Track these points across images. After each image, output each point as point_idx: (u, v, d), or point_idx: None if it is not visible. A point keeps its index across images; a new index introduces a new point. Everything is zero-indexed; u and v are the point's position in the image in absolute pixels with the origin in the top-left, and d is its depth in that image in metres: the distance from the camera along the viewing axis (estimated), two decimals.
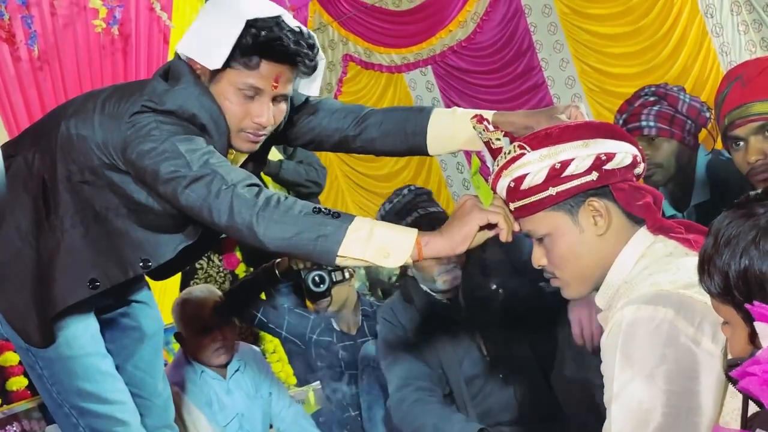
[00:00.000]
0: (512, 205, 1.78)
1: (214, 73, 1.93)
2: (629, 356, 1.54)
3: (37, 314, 2.10)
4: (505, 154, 1.79)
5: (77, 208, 2.04)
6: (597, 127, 1.77)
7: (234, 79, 1.92)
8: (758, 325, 0.83)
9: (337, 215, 1.74)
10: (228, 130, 1.97)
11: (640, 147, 1.79)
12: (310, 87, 2.10)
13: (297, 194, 4.35)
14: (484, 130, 1.89)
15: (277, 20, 1.92)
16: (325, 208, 1.76)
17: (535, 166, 1.71)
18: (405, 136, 2.17)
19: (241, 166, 2.05)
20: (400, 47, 5.33)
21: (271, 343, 4.77)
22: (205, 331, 3.19)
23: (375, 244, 1.74)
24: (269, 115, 1.97)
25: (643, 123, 2.79)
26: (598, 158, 1.69)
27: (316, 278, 3.40)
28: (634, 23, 4.69)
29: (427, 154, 2.24)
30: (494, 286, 2.83)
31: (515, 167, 1.74)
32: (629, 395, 1.53)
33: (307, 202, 1.78)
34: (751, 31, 4.41)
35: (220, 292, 3.39)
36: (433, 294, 2.89)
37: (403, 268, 2.98)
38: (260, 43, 1.88)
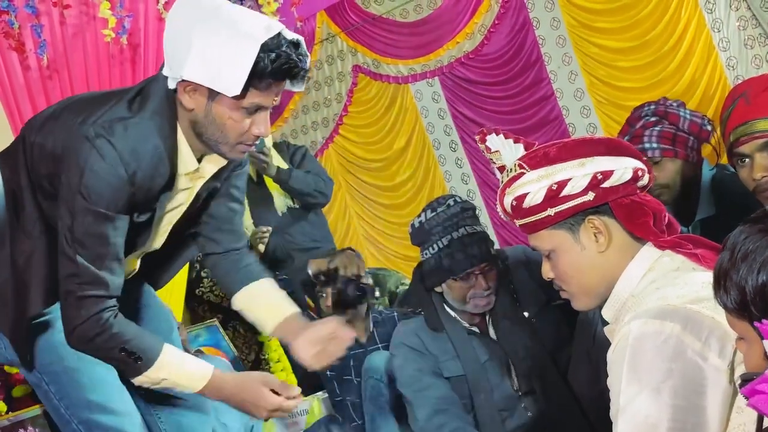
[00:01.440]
0: (517, 222, 1.82)
1: (212, 95, 1.93)
2: (636, 370, 1.54)
3: (18, 329, 2.12)
4: (508, 171, 1.82)
5: (40, 216, 2.08)
6: (595, 145, 1.78)
7: (238, 101, 1.93)
8: (766, 344, 0.83)
9: (139, 359, 2.05)
10: (173, 170, 2.05)
11: (644, 159, 1.80)
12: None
13: (304, 203, 4.37)
14: (485, 150, 1.90)
15: (280, 38, 1.92)
16: (133, 351, 2.04)
17: (533, 186, 1.74)
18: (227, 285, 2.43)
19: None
20: (407, 58, 5.34)
21: (276, 352, 4.78)
22: None
23: (167, 383, 2.11)
24: (267, 126, 2.02)
25: (647, 145, 2.78)
26: (594, 178, 1.71)
27: (360, 287, 3.45)
28: (641, 37, 4.70)
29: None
30: (527, 314, 2.75)
31: (516, 186, 1.77)
32: (635, 409, 1.53)
33: (121, 337, 2.03)
34: (757, 45, 4.41)
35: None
36: (460, 321, 2.81)
37: (429, 287, 2.86)
38: (275, 67, 1.89)
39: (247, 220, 4.37)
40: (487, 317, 2.78)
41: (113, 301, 2.04)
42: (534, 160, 1.77)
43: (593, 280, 1.76)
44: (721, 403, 1.50)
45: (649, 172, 1.80)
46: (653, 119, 2.84)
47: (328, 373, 3.62)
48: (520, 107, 5.04)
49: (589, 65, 4.84)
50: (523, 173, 1.77)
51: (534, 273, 2.71)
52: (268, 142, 4.31)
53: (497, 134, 1.90)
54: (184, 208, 2.20)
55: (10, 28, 3.69)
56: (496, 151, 1.88)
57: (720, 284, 1.25)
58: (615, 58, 4.77)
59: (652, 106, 2.90)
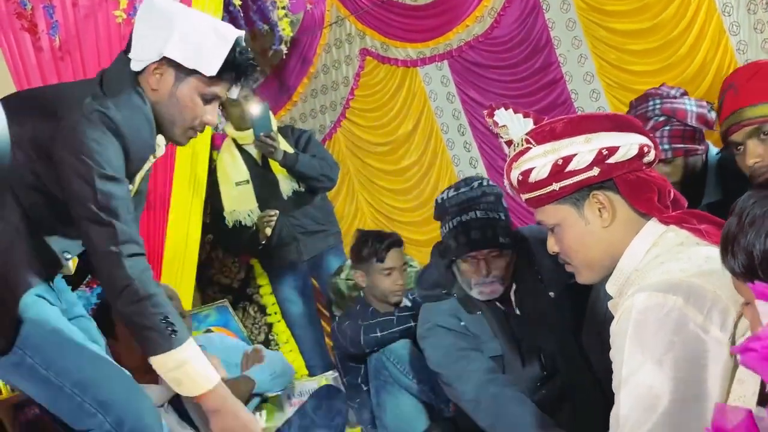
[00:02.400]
0: (523, 197, 1.83)
1: (179, 78, 2.22)
2: (638, 342, 1.56)
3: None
4: (515, 146, 1.84)
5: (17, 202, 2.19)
6: (601, 120, 1.80)
7: (200, 87, 2.24)
8: (759, 303, 0.85)
9: (175, 332, 2.14)
10: (153, 135, 2.27)
11: (651, 135, 1.82)
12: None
13: (310, 187, 4.39)
14: (493, 125, 1.92)
15: (243, 42, 2.27)
16: (173, 323, 2.14)
17: (539, 161, 1.76)
18: None
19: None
20: (416, 42, 5.32)
21: (285, 333, 4.84)
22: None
23: (173, 374, 2.18)
24: (216, 117, 2.32)
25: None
26: (599, 153, 1.73)
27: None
28: (651, 20, 4.67)
29: None
30: (552, 294, 2.73)
31: (523, 161, 1.79)
32: (638, 381, 1.55)
33: (165, 307, 2.15)
34: (767, 29, 4.41)
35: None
36: (498, 304, 2.77)
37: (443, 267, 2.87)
38: (240, 61, 2.23)
39: (252, 204, 4.39)
40: (513, 298, 2.77)
41: (146, 260, 2.18)
42: (540, 135, 1.79)
43: (597, 254, 1.78)
44: (722, 375, 1.52)
45: (656, 148, 1.82)
46: (662, 119, 2.83)
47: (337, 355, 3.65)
48: (529, 91, 5.02)
49: (599, 49, 4.82)
50: (529, 148, 1.79)
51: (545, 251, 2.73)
52: (274, 126, 4.32)
53: (506, 109, 1.92)
54: (134, 188, 2.36)
55: (22, 9, 3.72)
56: (504, 126, 1.90)
57: (728, 249, 1.25)
58: (625, 41, 4.75)
59: (657, 103, 2.87)
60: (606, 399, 2.53)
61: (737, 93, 2.49)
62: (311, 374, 4.51)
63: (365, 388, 3.49)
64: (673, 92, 2.92)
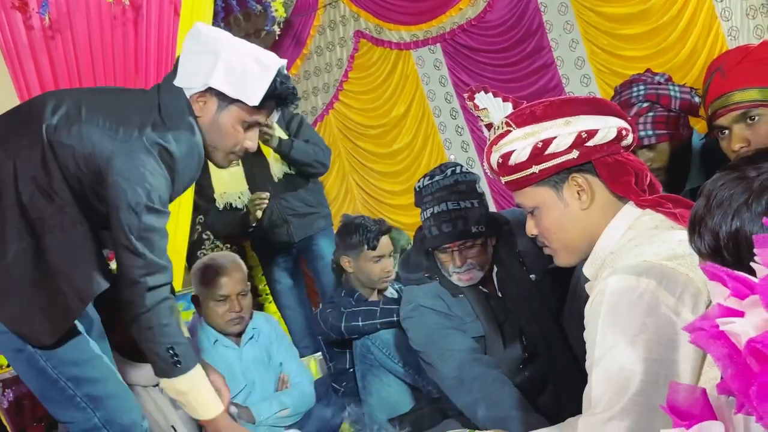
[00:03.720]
0: (503, 179, 1.85)
1: (222, 107, 2.27)
2: (611, 324, 1.58)
3: (47, 317, 2.19)
4: (495, 129, 1.85)
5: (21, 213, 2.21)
6: (581, 104, 1.81)
7: (242, 115, 2.28)
8: (710, 284, 0.87)
9: (179, 363, 2.25)
10: (200, 167, 2.34)
11: (629, 118, 1.83)
12: None
13: (303, 173, 4.39)
14: (473, 107, 1.93)
15: (284, 70, 2.32)
16: (177, 354, 2.25)
17: (519, 143, 1.77)
18: None
19: None
20: (410, 24, 5.32)
21: (275, 315, 4.84)
22: (223, 299, 3.25)
23: (184, 398, 2.32)
24: (256, 142, 2.39)
25: (642, 133, 2.78)
26: (579, 136, 1.75)
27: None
28: (643, 4, 4.68)
29: None
30: (533, 277, 2.73)
31: (503, 143, 1.81)
32: (610, 361, 1.57)
33: (173, 337, 2.24)
34: (759, 15, 4.40)
35: (242, 262, 3.41)
36: (480, 287, 2.76)
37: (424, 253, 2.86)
38: (281, 91, 2.28)
39: (243, 186, 4.40)
40: (495, 281, 2.77)
41: (171, 288, 2.27)
42: (520, 118, 1.80)
43: (575, 236, 1.80)
44: (693, 357, 1.54)
45: (634, 132, 1.83)
46: (646, 105, 2.83)
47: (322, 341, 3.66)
48: (521, 75, 5.03)
49: (591, 33, 4.83)
50: (509, 131, 1.80)
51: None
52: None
53: (486, 92, 1.93)
54: None
55: None
56: (484, 109, 1.91)
57: (695, 230, 1.26)
58: (616, 26, 4.76)
59: (642, 89, 2.87)
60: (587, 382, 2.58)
61: (725, 76, 2.48)
62: (300, 355, 4.53)
63: (351, 371, 3.50)
64: (657, 78, 2.92)
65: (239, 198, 4.39)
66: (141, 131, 2.19)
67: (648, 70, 3.08)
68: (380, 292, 3.54)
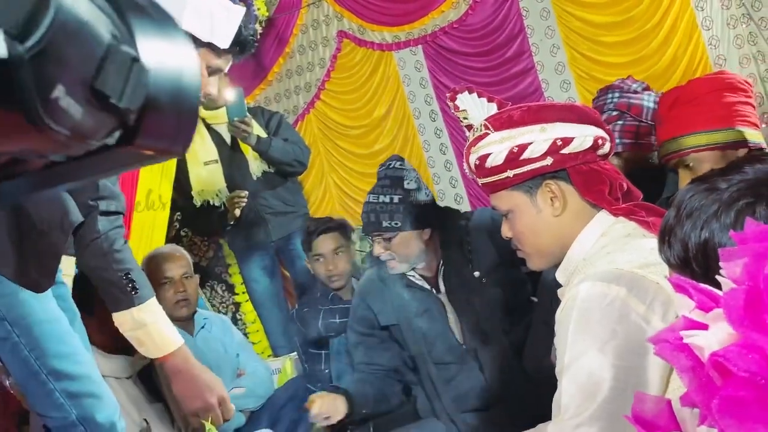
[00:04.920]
0: (480, 181, 1.86)
1: None
2: (582, 330, 1.59)
3: (40, 261, 2.17)
4: (475, 130, 1.86)
5: None
6: (559, 111, 1.82)
7: (209, 59, 2.23)
8: (675, 296, 0.87)
9: (136, 290, 2.17)
10: None
11: (607, 128, 1.84)
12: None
13: (282, 172, 4.39)
14: (454, 108, 1.94)
15: (249, 14, 2.27)
16: (134, 280, 2.17)
17: (496, 147, 1.79)
18: None
19: None
20: (393, 25, 5.31)
21: (252, 313, 4.84)
22: (166, 283, 3.36)
23: (144, 332, 2.21)
24: (217, 89, 2.34)
25: None
26: (554, 143, 1.76)
27: None
28: (625, 13, 4.70)
29: None
30: (477, 274, 2.81)
31: (481, 146, 1.82)
32: (580, 367, 1.57)
33: (128, 264, 2.18)
34: (740, 25, 4.43)
35: (186, 252, 3.54)
36: (410, 277, 2.88)
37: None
38: (244, 37, 2.23)
39: (221, 184, 4.39)
40: (439, 274, 2.85)
41: (122, 220, 2.22)
42: (498, 122, 1.81)
43: (547, 241, 1.82)
44: (662, 365, 1.54)
45: (611, 141, 1.84)
46: (615, 113, 2.83)
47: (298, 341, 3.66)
48: (500, 79, 5.03)
49: (572, 39, 4.84)
50: (487, 134, 1.82)
51: (497, 236, 2.78)
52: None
53: (470, 92, 1.94)
54: None
55: None
56: (464, 110, 1.92)
57: (664, 240, 1.27)
58: (598, 32, 4.77)
59: (616, 96, 2.87)
60: (530, 381, 2.66)
61: (661, 125, 2.51)
62: (276, 354, 4.53)
63: (326, 371, 3.51)
64: (635, 86, 2.93)
65: (217, 195, 4.39)
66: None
67: (629, 77, 3.09)
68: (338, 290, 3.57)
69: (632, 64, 4.65)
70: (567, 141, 1.76)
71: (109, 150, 0.62)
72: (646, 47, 4.69)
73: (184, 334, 3.25)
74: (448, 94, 2.00)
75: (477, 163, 1.83)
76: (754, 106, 2.51)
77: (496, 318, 2.76)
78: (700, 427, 0.90)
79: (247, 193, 4.32)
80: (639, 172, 2.81)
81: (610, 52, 4.78)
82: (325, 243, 3.52)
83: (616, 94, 2.86)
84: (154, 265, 3.38)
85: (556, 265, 1.84)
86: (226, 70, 2.37)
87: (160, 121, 0.62)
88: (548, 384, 2.68)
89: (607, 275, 1.61)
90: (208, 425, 2.23)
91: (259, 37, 5.29)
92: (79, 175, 0.66)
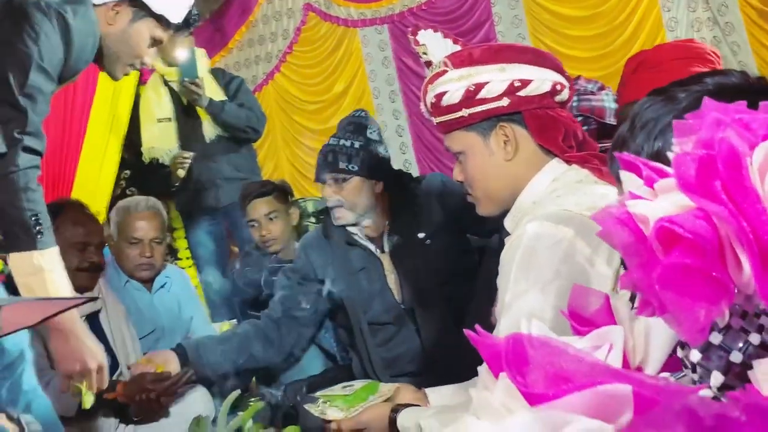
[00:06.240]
0: (435, 120, 1.82)
1: (137, 17, 2.25)
2: (525, 269, 1.55)
3: None
4: (434, 67, 1.82)
5: None
6: (520, 52, 1.79)
7: (153, 29, 2.27)
8: (623, 174, 0.83)
9: (41, 233, 2.07)
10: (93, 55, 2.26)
11: (567, 75, 1.81)
12: None
13: (234, 138, 4.30)
14: (414, 43, 1.90)
15: None
16: (41, 224, 2.07)
17: (453, 85, 1.75)
18: None
19: None
20: (359, 2, 5.27)
21: (195, 279, 4.75)
22: (136, 242, 3.20)
23: (28, 280, 2.07)
24: (155, 59, 2.45)
25: None
26: (512, 84, 1.72)
27: None
28: (593, 8, 4.72)
29: None
30: (422, 235, 2.79)
31: (438, 83, 1.78)
32: (520, 307, 1.54)
33: (39, 205, 2.08)
34: (704, 29, 4.47)
35: (163, 210, 3.37)
36: (353, 233, 2.86)
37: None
38: (191, 15, 2.30)
39: (172, 143, 4.30)
40: (384, 234, 2.82)
41: (40, 161, 2.15)
42: (458, 59, 1.77)
43: (497, 185, 1.78)
44: None
45: (570, 89, 1.81)
46: (580, 118, 2.79)
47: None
48: None
49: (539, 30, 4.85)
50: (446, 71, 1.78)
51: (446, 201, 2.77)
52: (202, 71, 4.23)
53: (435, 31, 1.90)
54: None
55: None
56: (423, 45, 1.88)
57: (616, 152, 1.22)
58: (565, 25, 4.79)
59: (575, 102, 2.83)
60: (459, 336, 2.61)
61: (623, 86, 2.46)
62: (214, 320, 4.44)
63: None
64: (590, 87, 2.89)
65: (167, 154, 4.29)
66: None
67: (580, 78, 3.04)
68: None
69: (596, 59, 4.68)
70: (525, 83, 1.72)
71: None
72: (611, 44, 4.71)
73: (142, 291, 3.20)
74: (409, 28, 1.96)
75: (433, 101, 1.79)
76: None
77: (436, 280, 2.72)
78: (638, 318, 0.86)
79: (192, 154, 4.23)
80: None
81: (575, 45, 4.79)
82: (259, 207, 3.48)
83: (575, 99, 2.81)
84: (126, 220, 3.22)
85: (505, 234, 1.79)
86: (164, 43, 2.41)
87: None
88: None
89: (556, 216, 1.58)
90: (84, 389, 2.13)
91: (224, 2, 5.21)
92: None
